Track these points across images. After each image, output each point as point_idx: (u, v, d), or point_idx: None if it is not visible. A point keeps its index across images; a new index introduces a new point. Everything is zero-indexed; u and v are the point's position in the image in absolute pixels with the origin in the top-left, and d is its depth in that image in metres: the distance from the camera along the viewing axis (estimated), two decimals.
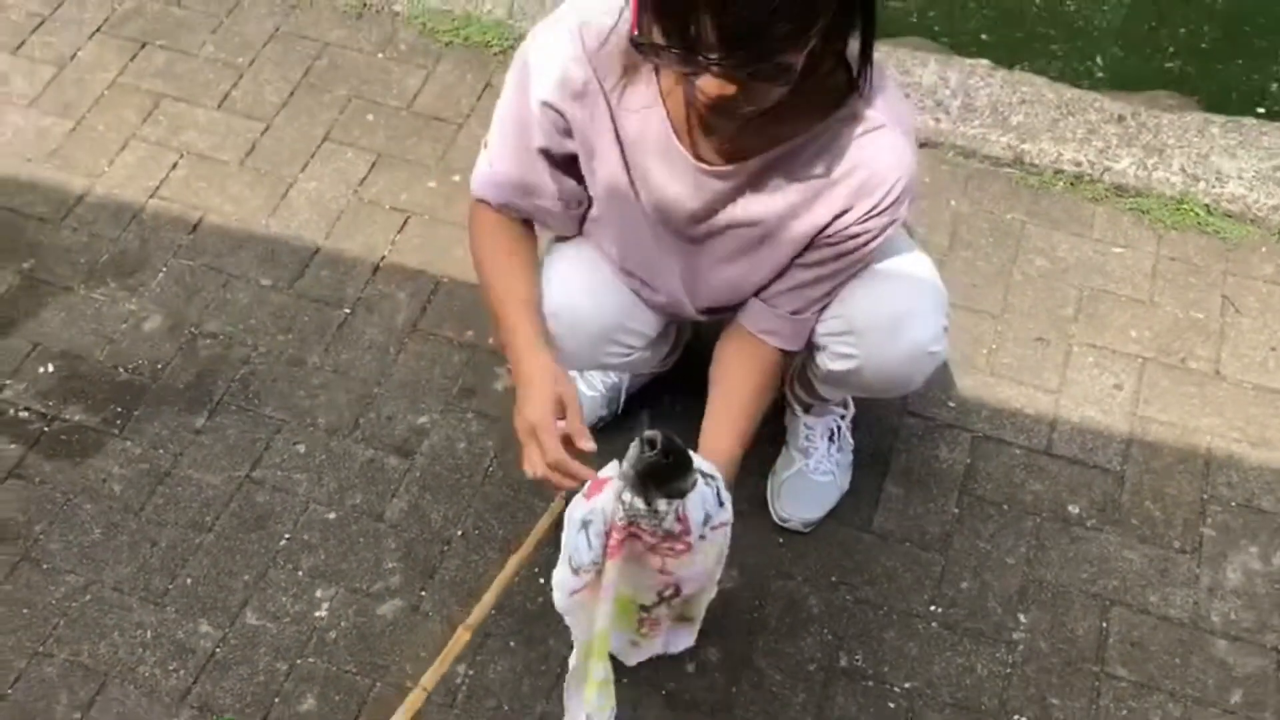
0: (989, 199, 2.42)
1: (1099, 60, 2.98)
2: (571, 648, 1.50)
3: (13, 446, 2.06)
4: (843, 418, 2.01)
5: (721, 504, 1.41)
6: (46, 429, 2.08)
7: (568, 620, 1.45)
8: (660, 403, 2.06)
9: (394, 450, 2.07)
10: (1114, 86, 2.77)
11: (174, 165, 2.45)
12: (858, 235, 1.49)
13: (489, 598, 1.48)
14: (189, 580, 1.93)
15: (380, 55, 2.63)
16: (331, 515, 2.00)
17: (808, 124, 1.42)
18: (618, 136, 1.50)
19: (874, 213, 1.47)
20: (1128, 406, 2.14)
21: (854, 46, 1.33)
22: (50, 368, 2.16)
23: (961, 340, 2.20)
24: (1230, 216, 2.38)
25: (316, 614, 1.89)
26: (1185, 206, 2.38)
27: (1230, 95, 2.86)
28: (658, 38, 1.23)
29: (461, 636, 1.47)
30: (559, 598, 1.39)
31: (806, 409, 1.96)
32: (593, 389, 2.06)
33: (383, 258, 2.32)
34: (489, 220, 1.63)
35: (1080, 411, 2.13)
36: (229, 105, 2.54)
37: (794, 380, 1.95)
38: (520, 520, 1.98)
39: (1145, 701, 1.84)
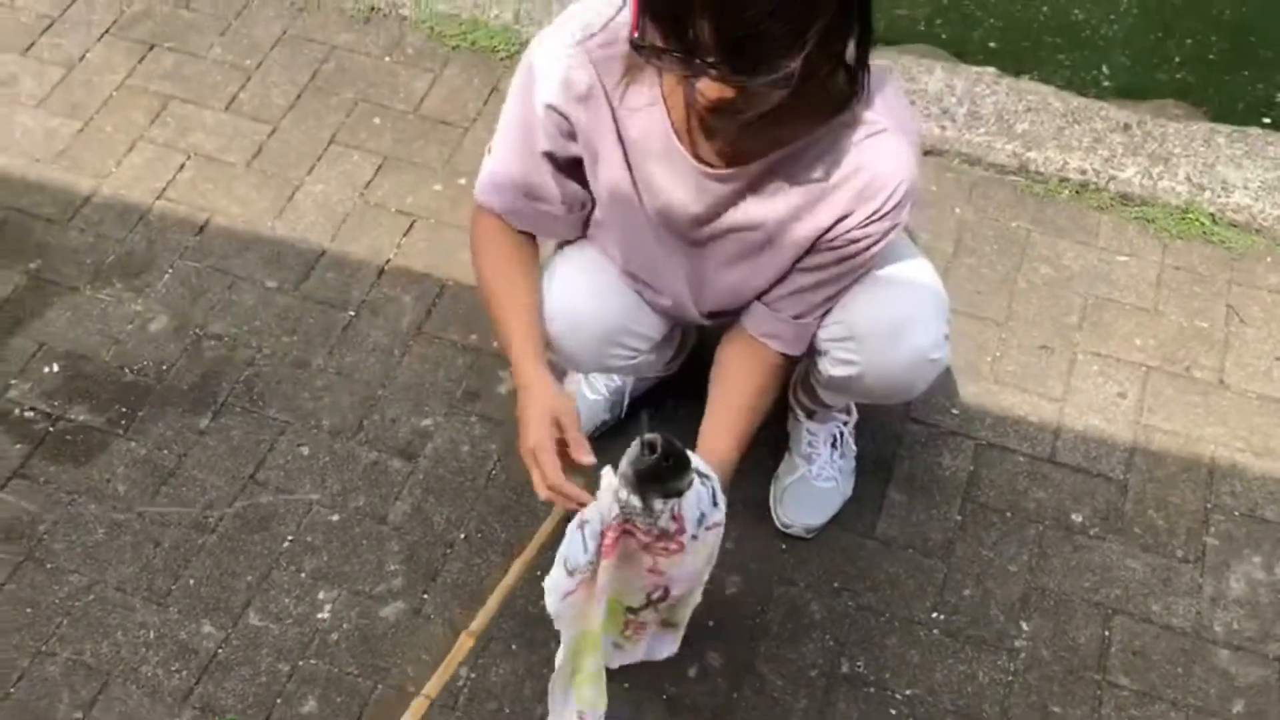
0: (994, 206, 2.42)
1: (1105, 69, 2.98)
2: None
3: (18, 446, 2.07)
4: (845, 424, 2.01)
5: (716, 504, 1.42)
6: (51, 429, 2.09)
7: (558, 625, 1.45)
8: (665, 407, 2.06)
9: (397, 453, 2.07)
10: (1120, 96, 2.77)
11: (181, 167, 2.45)
12: (859, 240, 1.50)
13: (492, 603, 1.48)
14: (192, 581, 1.93)
15: (387, 59, 2.64)
16: (334, 517, 2.00)
17: (809, 128, 1.43)
18: (620, 140, 1.51)
19: (875, 217, 1.47)
20: (1132, 415, 2.14)
21: (854, 51, 1.33)
22: (55, 368, 2.16)
23: (966, 347, 2.20)
24: (1235, 226, 2.38)
25: (319, 616, 1.90)
26: (1190, 216, 2.38)
27: (1236, 105, 2.86)
28: (657, 40, 1.24)
29: (465, 642, 1.47)
30: (551, 602, 1.40)
31: (809, 415, 1.97)
32: (596, 393, 2.06)
33: (388, 261, 2.32)
34: (491, 227, 1.63)
35: (1084, 420, 2.13)
36: (236, 107, 2.55)
37: (797, 386, 1.96)
38: (523, 524, 1.99)
39: (1147, 710, 1.83)
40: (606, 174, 1.55)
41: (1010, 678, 1.86)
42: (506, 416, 2.10)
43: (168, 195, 2.41)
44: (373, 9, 2.72)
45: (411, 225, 2.37)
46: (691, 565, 1.46)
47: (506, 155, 1.58)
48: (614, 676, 1.81)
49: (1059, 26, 3.07)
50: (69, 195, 2.40)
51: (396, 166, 2.46)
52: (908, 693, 1.85)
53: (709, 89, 1.25)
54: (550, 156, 1.55)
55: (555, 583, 1.39)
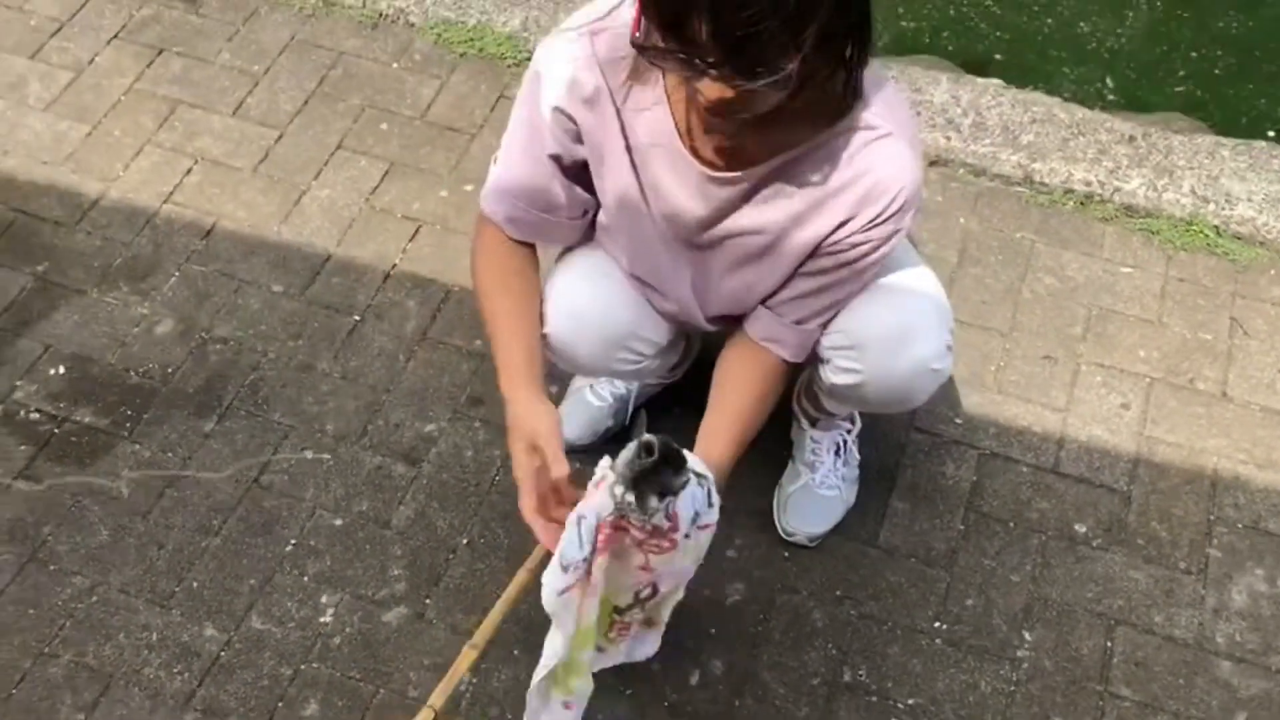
0: (999, 217, 2.43)
1: (1110, 82, 2.99)
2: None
3: (23, 447, 2.07)
4: (849, 432, 2.01)
5: (711, 504, 1.42)
6: (56, 430, 2.09)
7: (556, 623, 1.45)
8: (671, 413, 2.06)
9: (401, 457, 2.08)
10: (1125, 109, 2.78)
11: (188, 171, 2.46)
12: (861, 245, 1.50)
13: (495, 614, 1.47)
14: (195, 584, 1.93)
15: (395, 65, 2.65)
16: (338, 521, 2.00)
17: (812, 132, 1.43)
18: (627, 144, 1.51)
19: (877, 221, 1.47)
20: (1135, 426, 2.14)
21: (853, 54, 1.33)
22: (61, 369, 2.17)
23: (970, 357, 2.21)
24: (1240, 238, 2.38)
25: (321, 620, 1.90)
26: (1195, 228, 2.38)
27: (1240, 120, 2.87)
28: (658, 41, 1.25)
29: (468, 654, 1.47)
30: (548, 597, 1.40)
31: (813, 423, 1.97)
32: (601, 400, 2.06)
33: (394, 266, 2.33)
34: (493, 239, 1.64)
35: (1087, 430, 2.13)
36: (244, 112, 2.56)
37: (800, 394, 1.96)
38: (526, 530, 1.98)
39: None
40: (612, 178, 1.56)
41: (1012, 688, 1.86)
42: None
43: (175, 199, 2.42)
44: (380, 16, 2.73)
45: (417, 231, 2.38)
46: (681, 563, 1.47)
47: (513, 160, 1.58)
48: (616, 683, 1.82)
49: (1064, 39, 3.08)
50: (76, 198, 2.41)
51: (403, 172, 2.47)
52: (910, 702, 1.84)
53: (709, 89, 1.26)
54: (557, 160, 1.56)
55: (551, 579, 1.39)
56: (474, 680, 1.84)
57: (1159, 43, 3.08)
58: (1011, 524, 2.03)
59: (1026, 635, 1.91)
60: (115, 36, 2.68)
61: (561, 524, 1.39)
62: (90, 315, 2.24)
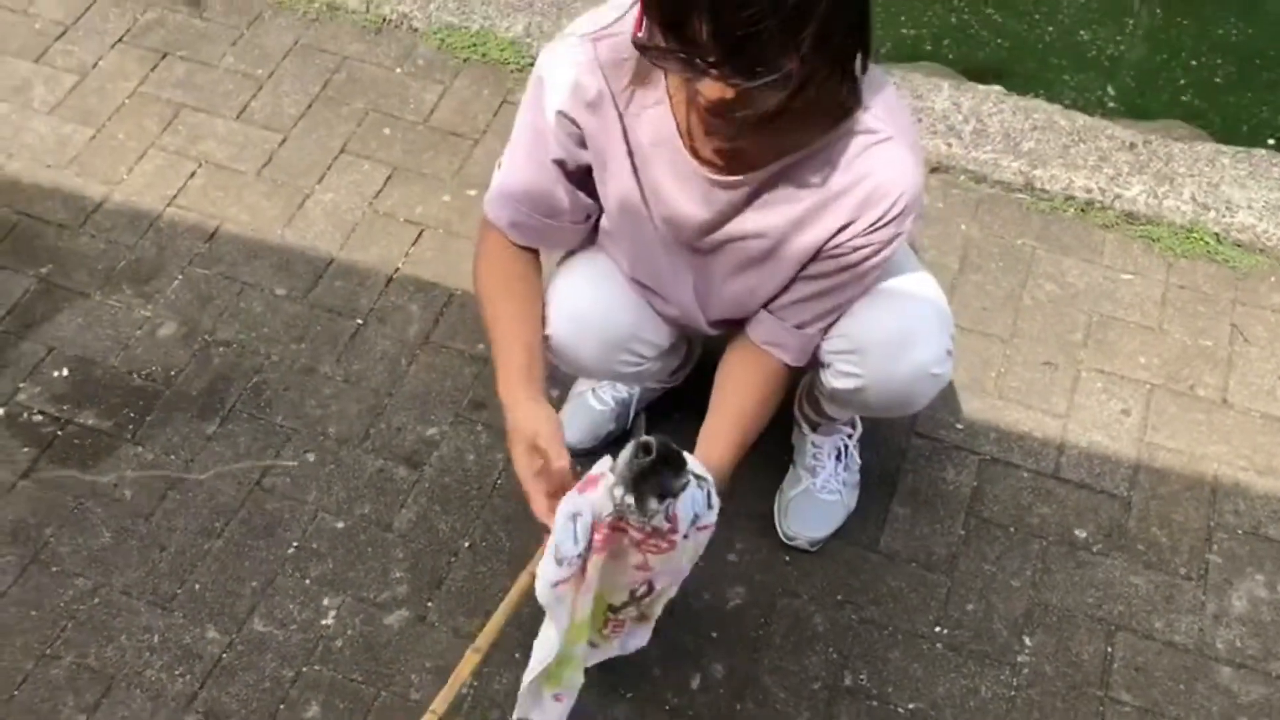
0: (1000, 224, 2.43)
1: (1111, 90, 3.00)
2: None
3: (25, 449, 2.07)
4: (850, 437, 2.01)
5: (710, 506, 1.42)
6: (59, 432, 2.10)
7: (550, 616, 1.45)
8: (671, 419, 2.07)
9: (403, 461, 2.08)
10: (1126, 116, 2.79)
11: (192, 174, 2.47)
12: (861, 248, 1.51)
13: (498, 617, 1.48)
14: (197, 586, 1.93)
15: (398, 70, 2.66)
16: (340, 524, 2.00)
17: (813, 136, 1.44)
18: (628, 148, 1.52)
19: (878, 225, 1.48)
20: (1135, 432, 2.15)
21: (857, 62, 1.34)
22: (65, 372, 2.17)
23: (970, 363, 2.21)
24: (1240, 246, 2.39)
25: (323, 622, 1.90)
26: (1195, 235, 2.39)
27: (1241, 128, 2.88)
28: (659, 41, 1.26)
29: (470, 658, 1.47)
30: (542, 589, 1.40)
31: (814, 428, 1.97)
32: (602, 403, 2.07)
33: (396, 270, 2.33)
34: (496, 244, 1.64)
35: (1088, 436, 2.14)
36: (247, 116, 2.57)
37: (802, 398, 1.96)
38: (528, 533, 1.99)
39: None
40: (614, 182, 1.56)
41: (1012, 693, 1.87)
42: None
43: (178, 202, 2.43)
44: (384, 20, 2.74)
45: (420, 235, 2.39)
46: (678, 562, 1.47)
47: (517, 165, 1.59)
48: (616, 686, 1.82)
49: (1065, 47, 3.09)
50: (80, 201, 2.42)
51: (406, 177, 2.48)
52: (910, 706, 1.85)
53: (709, 89, 1.27)
54: (561, 165, 1.56)
55: (545, 571, 1.40)
56: (475, 683, 1.84)
57: (1159, 50, 3.09)
58: (1012, 529, 2.03)
59: (1027, 640, 1.92)
60: (120, 40, 2.69)
61: None
62: (93, 318, 2.25)
